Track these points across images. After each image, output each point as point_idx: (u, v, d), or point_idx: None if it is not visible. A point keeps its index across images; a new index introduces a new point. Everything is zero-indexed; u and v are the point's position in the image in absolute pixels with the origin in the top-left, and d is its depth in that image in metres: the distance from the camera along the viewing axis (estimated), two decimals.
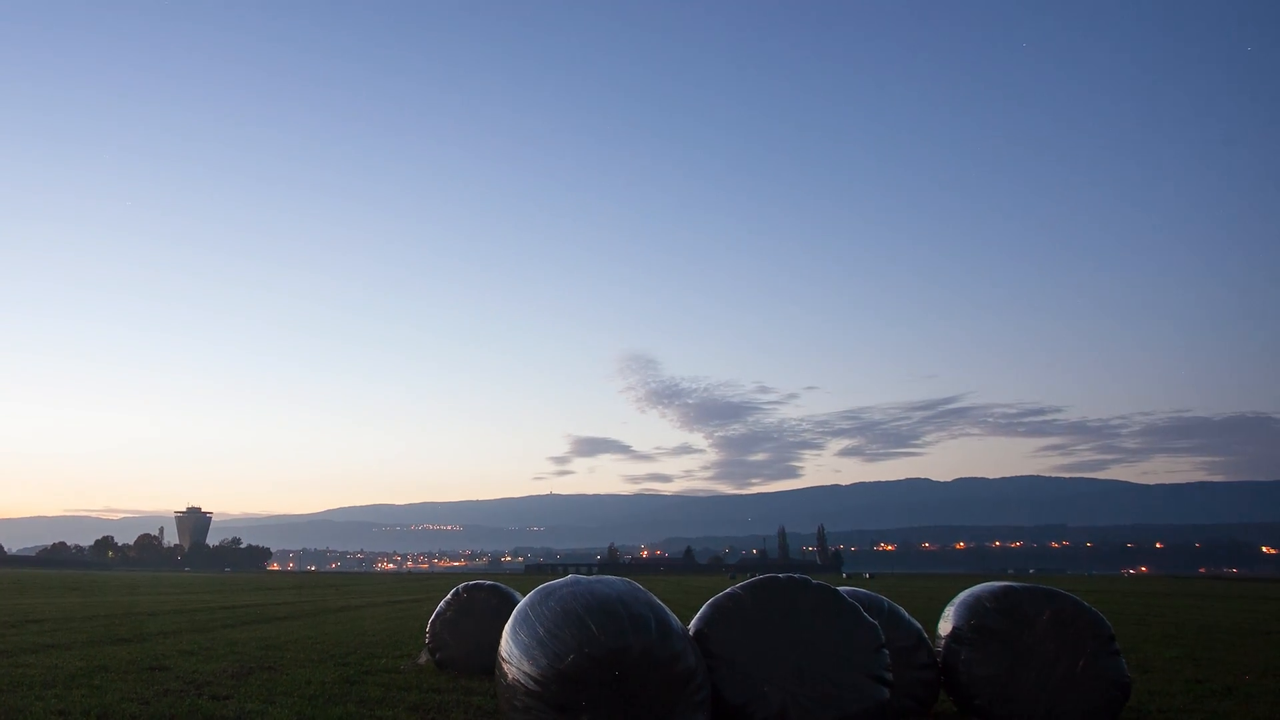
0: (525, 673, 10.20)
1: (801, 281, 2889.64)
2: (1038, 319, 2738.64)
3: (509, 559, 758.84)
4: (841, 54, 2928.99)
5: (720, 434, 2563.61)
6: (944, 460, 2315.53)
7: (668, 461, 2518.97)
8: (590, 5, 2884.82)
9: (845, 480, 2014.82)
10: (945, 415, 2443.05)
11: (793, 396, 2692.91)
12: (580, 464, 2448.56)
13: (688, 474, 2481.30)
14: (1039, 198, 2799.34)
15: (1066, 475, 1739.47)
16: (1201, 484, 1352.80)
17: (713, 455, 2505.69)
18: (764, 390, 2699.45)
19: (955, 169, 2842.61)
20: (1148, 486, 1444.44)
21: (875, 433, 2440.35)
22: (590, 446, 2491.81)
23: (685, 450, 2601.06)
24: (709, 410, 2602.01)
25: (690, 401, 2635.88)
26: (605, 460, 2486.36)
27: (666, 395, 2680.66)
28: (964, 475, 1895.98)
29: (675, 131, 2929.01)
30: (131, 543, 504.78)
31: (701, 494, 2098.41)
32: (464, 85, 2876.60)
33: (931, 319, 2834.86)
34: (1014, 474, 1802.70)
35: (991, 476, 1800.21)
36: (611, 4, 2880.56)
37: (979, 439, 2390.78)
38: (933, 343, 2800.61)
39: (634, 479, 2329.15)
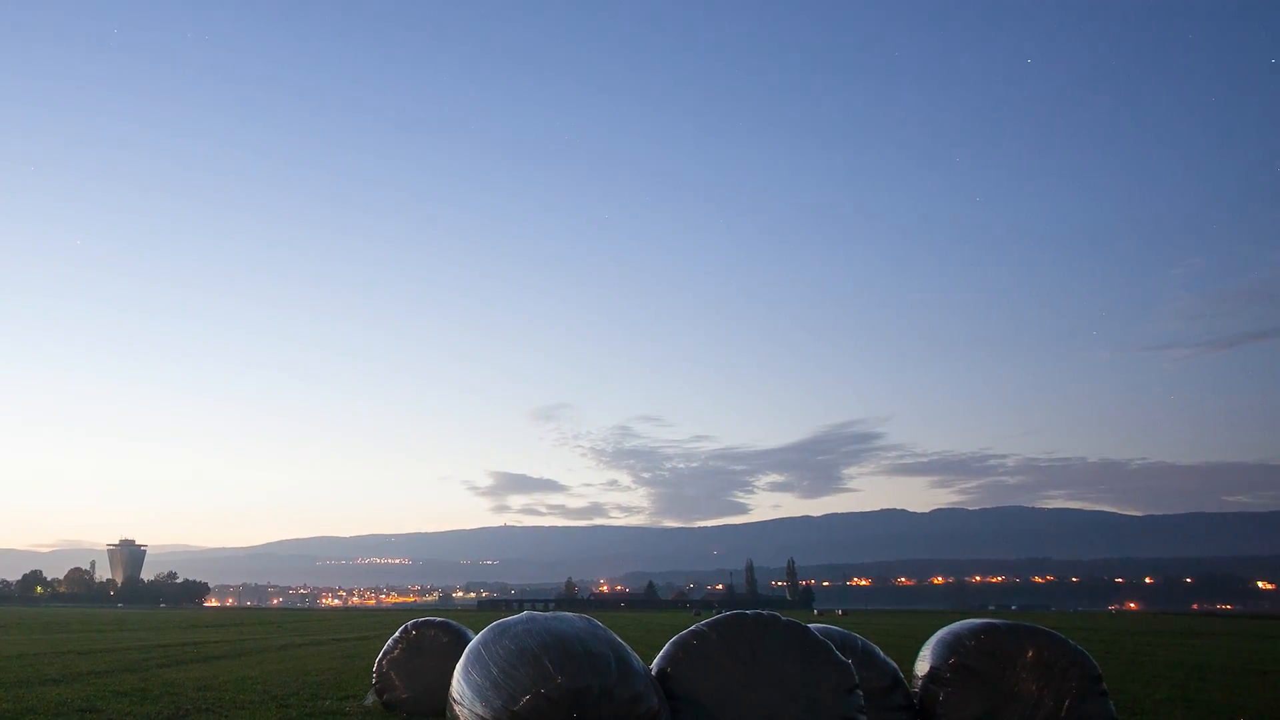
0: (478, 715, 10.13)
1: (737, 325, 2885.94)
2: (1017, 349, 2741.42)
3: (461, 594, 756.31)
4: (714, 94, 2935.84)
5: (662, 470, 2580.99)
6: (921, 492, 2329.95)
7: (618, 496, 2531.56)
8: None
9: (817, 511, 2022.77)
10: (869, 449, 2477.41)
11: (737, 429, 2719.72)
12: (532, 497, 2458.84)
13: (635, 510, 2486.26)
14: (1038, 201, 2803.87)
15: (1050, 506, 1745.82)
16: (1194, 515, 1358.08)
17: (667, 489, 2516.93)
18: (702, 428, 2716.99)
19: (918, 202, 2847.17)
20: (1136, 518, 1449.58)
21: (811, 466, 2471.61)
22: (520, 484, 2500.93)
23: (644, 482, 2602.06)
24: (640, 451, 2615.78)
25: (627, 446, 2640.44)
26: (549, 496, 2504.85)
27: (591, 435, 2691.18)
28: (941, 506, 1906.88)
29: (593, 174, 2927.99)
30: (61, 577, 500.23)
31: (663, 527, 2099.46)
32: (413, 125, 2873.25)
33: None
34: (994, 505, 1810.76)
35: (971, 508, 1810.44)
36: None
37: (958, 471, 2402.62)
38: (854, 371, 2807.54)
39: (585, 513, 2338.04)
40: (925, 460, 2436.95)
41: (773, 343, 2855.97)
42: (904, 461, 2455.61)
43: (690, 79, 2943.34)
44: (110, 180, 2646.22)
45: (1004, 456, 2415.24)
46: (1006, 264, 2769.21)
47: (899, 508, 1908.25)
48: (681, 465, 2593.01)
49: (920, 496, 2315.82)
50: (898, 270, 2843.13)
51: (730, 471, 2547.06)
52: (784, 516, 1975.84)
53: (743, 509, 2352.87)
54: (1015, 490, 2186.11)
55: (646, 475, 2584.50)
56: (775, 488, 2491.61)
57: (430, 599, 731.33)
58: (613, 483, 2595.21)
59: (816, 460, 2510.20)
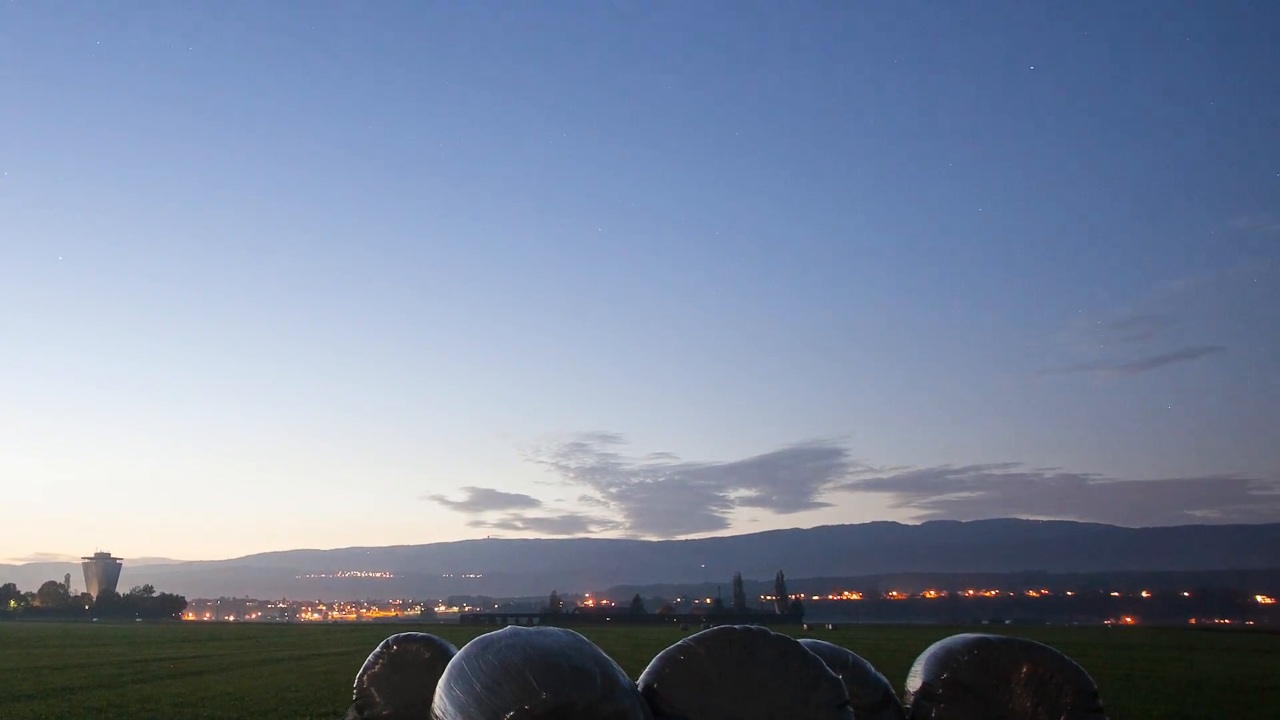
0: None
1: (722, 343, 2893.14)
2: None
3: (443, 609, 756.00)
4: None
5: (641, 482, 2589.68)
6: (910, 505, 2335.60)
7: (593, 510, 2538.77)
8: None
9: (805, 524, 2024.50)
10: (835, 465, 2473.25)
11: (701, 443, 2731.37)
12: (508, 512, 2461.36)
13: (613, 524, 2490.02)
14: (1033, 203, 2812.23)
15: (1044, 519, 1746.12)
16: (1191, 527, 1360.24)
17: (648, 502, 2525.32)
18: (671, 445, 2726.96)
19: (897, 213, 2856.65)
20: (1133, 530, 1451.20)
21: (780, 481, 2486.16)
22: (494, 499, 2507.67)
23: (622, 496, 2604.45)
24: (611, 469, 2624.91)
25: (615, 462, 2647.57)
26: (526, 510, 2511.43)
27: (554, 450, 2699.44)
28: (934, 519, 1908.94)
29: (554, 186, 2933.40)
30: (35, 591, 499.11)
31: (645, 540, 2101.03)
32: (379, 151, 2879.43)
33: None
34: (988, 517, 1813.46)
35: (964, 520, 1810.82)
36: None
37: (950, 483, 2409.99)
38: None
39: (567, 526, 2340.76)
40: (888, 476, 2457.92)
41: (729, 361, 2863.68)
42: (877, 476, 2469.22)
43: (646, 102, 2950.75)
44: (91, 194, 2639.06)
45: (964, 471, 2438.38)
46: (950, 283, 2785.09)
47: (889, 520, 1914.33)
48: (649, 480, 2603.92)
49: (897, 511, 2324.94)
50: (850, 290, 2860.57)
51: (697, 486, 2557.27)
52: (773, 529, 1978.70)
53: (721, 523, 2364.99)
54: (994, 504, 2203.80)
55: (614, 490, 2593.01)
56: (748, 502, 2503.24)
57: (412, 613, 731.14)
58: (585, 498, 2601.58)
59: (784, 476, 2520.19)
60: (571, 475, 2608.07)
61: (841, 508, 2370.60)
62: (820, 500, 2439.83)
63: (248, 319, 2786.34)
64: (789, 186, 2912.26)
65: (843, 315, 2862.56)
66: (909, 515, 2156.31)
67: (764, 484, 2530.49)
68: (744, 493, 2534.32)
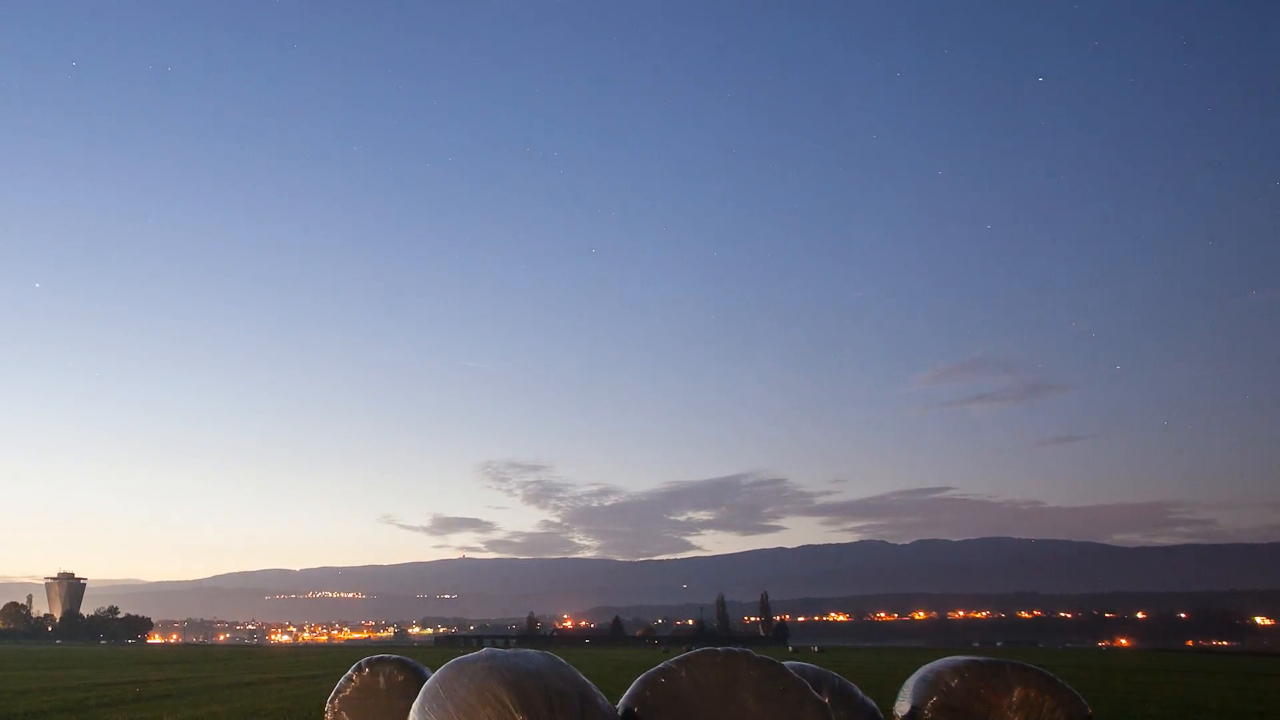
0: None
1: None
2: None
3: (417, 630, 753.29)
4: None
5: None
6: (900, 522, 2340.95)
7: (562, 533, 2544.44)
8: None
9: (790, 543, 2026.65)
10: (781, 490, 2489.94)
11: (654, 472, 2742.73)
12: (473, 535, 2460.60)
13: (584, 546, 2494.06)
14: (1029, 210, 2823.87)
15: (1037, 537, 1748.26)
16: (1188, 546, 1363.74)
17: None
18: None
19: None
20: (1128, 549, 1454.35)
21: (739, 501, 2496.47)
22: (458, 524, 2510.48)
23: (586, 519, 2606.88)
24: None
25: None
26: (489, 535, 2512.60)
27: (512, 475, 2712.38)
28: (923, 537, 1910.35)
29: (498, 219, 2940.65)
30: None
31: (623, 561, 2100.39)
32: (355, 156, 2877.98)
33: None
34: (979, 535, 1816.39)
35: (954, 538, 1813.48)
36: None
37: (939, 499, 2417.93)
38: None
39: (544, 546, 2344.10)
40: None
41: (685, 384, 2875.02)
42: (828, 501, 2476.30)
43: (552, 137, 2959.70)
44: (59, 215, 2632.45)
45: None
46: (940, 298, 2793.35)
47: (878, 539, 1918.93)
48: (607, 503, 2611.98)
49: (884, 530, 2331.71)
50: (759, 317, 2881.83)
51: (655, 509, 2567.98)
52: (756, 549, 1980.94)
53: (685, 546, 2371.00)
54: (985, 523, 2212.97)
55: (578, 510, 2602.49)
56: (708, 525, 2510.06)
57: (385, 635, 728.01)
58: (546, 523, 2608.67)
59: (740, 501, 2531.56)
60: (532, 497, 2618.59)
61: (793, 531, 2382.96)
62: (776, 524, 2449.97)
63: (214, 334, 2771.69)
64: (731, 209, 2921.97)
65: (835, 325, 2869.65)
66: (896, 534, 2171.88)
67: (718, 508, 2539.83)
68: (704, 515, 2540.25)
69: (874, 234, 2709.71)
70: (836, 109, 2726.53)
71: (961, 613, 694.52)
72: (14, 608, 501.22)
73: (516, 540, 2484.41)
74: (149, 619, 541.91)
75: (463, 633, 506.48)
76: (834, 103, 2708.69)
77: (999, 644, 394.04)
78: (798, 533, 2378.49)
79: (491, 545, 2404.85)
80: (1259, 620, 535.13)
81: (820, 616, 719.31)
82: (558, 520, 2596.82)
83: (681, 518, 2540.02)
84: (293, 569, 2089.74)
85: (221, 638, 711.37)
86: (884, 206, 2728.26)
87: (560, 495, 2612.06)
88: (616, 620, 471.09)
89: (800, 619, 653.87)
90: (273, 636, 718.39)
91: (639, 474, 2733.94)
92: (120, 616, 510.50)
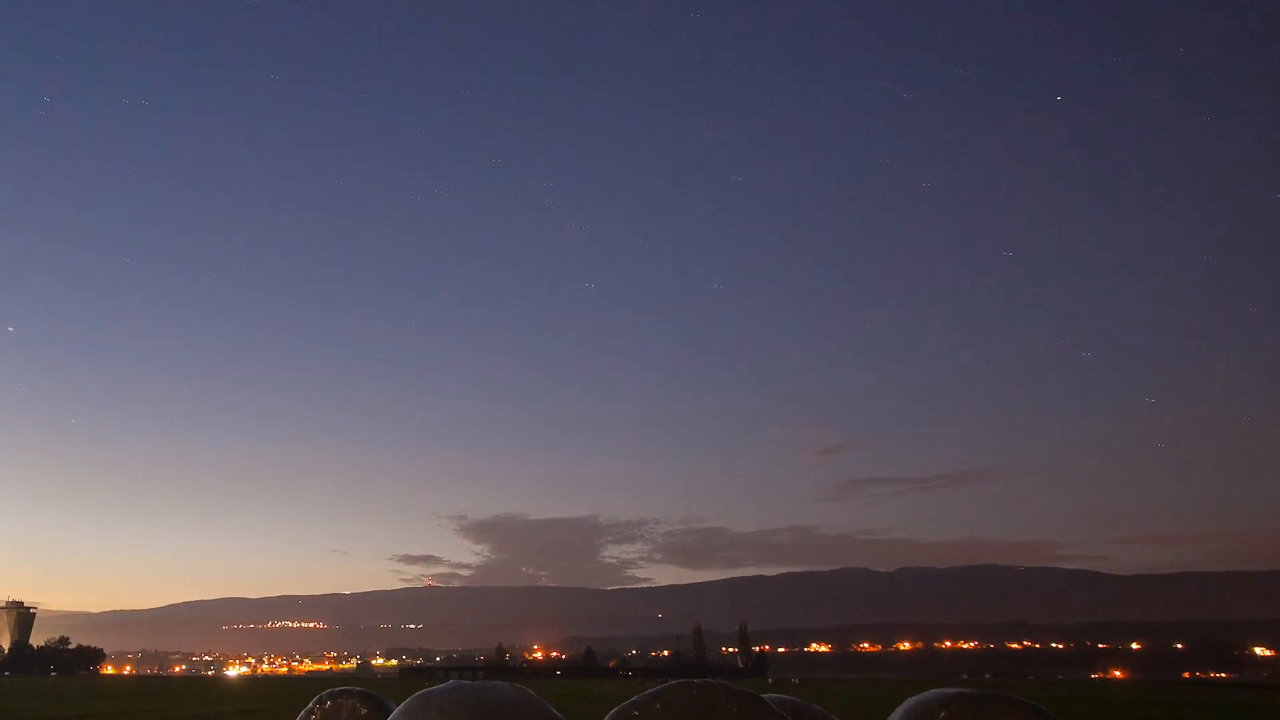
0: None
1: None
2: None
3: (381, 661, 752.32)
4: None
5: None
6: (883, 548, 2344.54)
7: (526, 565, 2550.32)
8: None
9: (771, 571, 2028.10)
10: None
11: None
12: (445, 557, 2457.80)
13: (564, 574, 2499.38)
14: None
15: (1026, 564, 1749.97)
16: (1184, 574, 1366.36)
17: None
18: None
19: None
20: (1122, 578, 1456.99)
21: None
22: (416, 551, 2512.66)
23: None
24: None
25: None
26: (447, 562, 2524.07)
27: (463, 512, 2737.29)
28: (908, 565, 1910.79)
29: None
30: None
31: (600, 590, 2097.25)
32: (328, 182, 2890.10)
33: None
34: (966, 563, 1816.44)
35: (940, 565, 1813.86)
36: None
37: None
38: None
39: (511, 574, 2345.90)
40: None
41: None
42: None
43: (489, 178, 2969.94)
44: (27, 252, 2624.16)
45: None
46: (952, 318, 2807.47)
47: (861, 566, 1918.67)
48: (578, 531, 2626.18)
49: (869, 557, 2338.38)
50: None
51: (596, 541, 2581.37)
52: (736, 576, 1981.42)
53: (661, 574, 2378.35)
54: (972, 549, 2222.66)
55: (537, 538, 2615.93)
56: (653, 559, 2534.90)
57: (348, 666, 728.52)
58: (513, 551, 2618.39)
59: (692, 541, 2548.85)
60: (479, 534, 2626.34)
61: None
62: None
63: (171, 362, 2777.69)
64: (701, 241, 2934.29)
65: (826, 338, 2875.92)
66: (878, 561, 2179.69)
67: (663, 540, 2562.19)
68: (641, 549, 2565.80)
69: None
70: None
71: (948, 642, 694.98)
72: None
73: (484, 567, 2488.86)
74: (101, 650, 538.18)
75: (428, 664, 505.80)
76: None
77: (988, 676, 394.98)
78: (808, 556, 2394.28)
79: (457, 573, 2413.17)
80: (1259, 651, 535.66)
81: (801, 647, 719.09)
82: (525, 549, 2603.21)
83: (655, 544, 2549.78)
84: (251, 597, 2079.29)
85: (177, 669, 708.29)
86: None
87: (525, 521, 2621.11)
88: (589, 651, 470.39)
89: (780, 649, 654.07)
90: (230, 668, 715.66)
91: (615, 501, 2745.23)
92: (71, 647, 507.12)
